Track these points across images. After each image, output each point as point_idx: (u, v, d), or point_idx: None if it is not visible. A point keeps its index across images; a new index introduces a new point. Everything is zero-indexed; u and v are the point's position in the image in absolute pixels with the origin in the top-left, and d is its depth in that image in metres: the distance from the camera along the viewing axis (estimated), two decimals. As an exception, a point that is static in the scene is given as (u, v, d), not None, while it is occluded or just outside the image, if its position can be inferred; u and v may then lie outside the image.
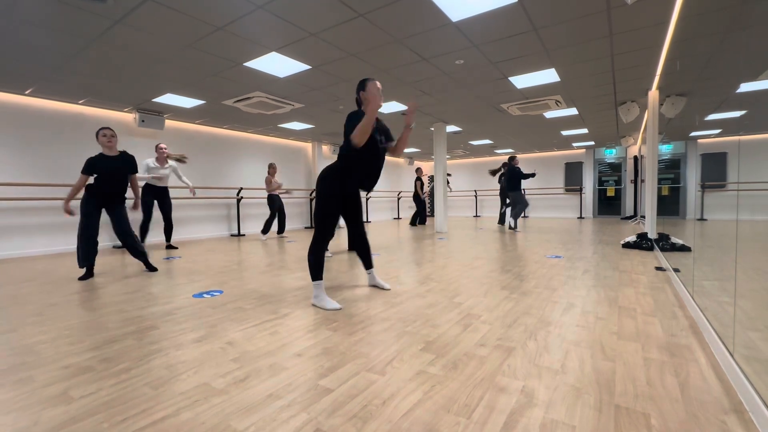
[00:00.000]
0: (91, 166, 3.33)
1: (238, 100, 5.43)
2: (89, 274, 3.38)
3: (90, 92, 4.97)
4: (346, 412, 1.19)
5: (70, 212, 3.29)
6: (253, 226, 8.17)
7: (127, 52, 3.69)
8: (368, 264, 2.83)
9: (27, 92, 4.92)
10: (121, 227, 3.49)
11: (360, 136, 2.24)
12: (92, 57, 3.77)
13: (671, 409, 1.17)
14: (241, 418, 1.16)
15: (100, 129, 3.40)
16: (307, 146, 9.62)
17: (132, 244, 3.55)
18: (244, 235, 7.67)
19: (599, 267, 3.53)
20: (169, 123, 6.61)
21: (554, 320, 2.03)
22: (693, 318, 2.04)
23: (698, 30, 3.36)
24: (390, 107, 6.05)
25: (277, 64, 4.07)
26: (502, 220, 8.79)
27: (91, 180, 3.41)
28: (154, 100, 5.35)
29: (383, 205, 12.63)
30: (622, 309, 2.22)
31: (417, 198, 9.27)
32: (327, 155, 10.02)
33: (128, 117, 6.09)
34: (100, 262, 4.34)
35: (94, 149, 5.73)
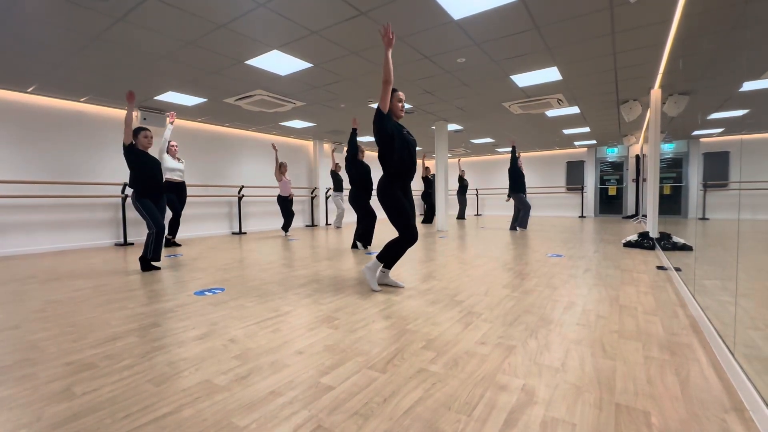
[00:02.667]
0: (137, 152, 3.50)
1: (239, 98, 5.43)
2: (154, 267, 3.65)
3: (92, 90, 4.98)
4: (347, 409, 1.19)
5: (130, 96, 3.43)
6: (254, 224, 8.19)
7: (129, 50, 3.69)
8: (387, 262, 2.79)
9: (29, 90, 4.93)
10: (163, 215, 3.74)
11: (381, 101, 2.59)
12: (94, 55, 3.77)
13: (672, 408, 1.18)
14: (242, 414, 1.17)
15: (141, 129, 3.54)
16: (308, 144, 9.62)
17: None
18: (245, 233, 7.68)
19: (600, 266, 3.53)
20: (170, 121, 6.62)
21: (555, 319, 2.04)
22: (694, 317, 2.04)
23: (701, 28, 3.34)
24: (391, 105, 6.04)
25: (279, 62, 4.07)
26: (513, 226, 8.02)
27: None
28: (155, 98, 5.35)
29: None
30: (623, 308, 2.22)
31: (426, 196, 9.20)
32: (328, 153, 10.01)
33: (130, 115, 6.10)
34: (102, 260, 4.35)
35: (95, 147, 5.77)
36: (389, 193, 2.66)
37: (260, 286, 2.89)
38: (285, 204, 6.96)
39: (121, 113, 6.02)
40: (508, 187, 7.36)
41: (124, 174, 6.04)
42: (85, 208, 5.66)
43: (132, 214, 6.08)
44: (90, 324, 2.06)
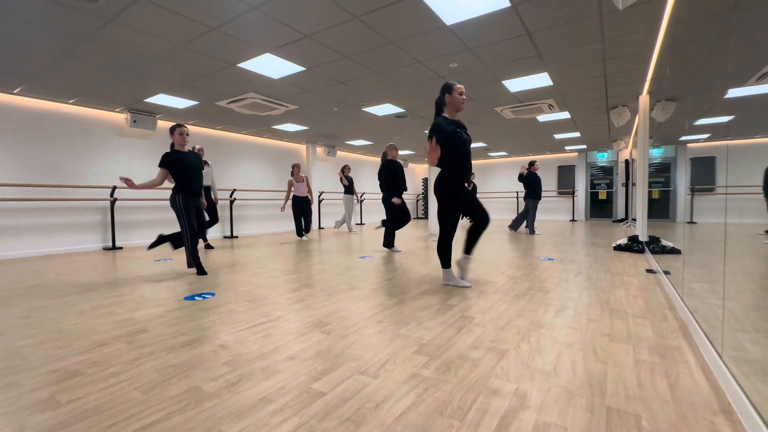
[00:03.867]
0: (171, 159, 3.41)
1: (231, 101, 5.40)
2: (203, 271, 3.55)
3: (81, 92, 4.91)
4: (339, 415, 1.18)
5: (126, 181, 3.21)
6: (246, 228, 8.12)
7: (119, 52, 3.65)
8: (469, 248, 2.96)
9: (15, 91, 4.84)
10: (203, 218, 3.68)
11: (430, 158, 2.79)
12: (83, 56, 3.73)
13: (662, 411, 1.19)
14: (232, 422, 1.15)
15: (177, 126, 3.45)
16: (301, 148, 9.59)
17: (207, 227, 3.70)
18: (237, 237, 7.62)
19: (591, 269, 3.56)
20: (161, 123, 6.56)
21: (547, 322, 2.05)
22: (683, 320, 2.07)
23: (687, 36, 3.42)
24: (385, 110, 6.06)
25: (272, 66, 4.06)
26: (515, 226, 8.02)
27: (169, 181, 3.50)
28: (146, 100, 5.30)
29: (377, 207, 12.63)
30: (614, 311, 2.24)
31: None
32: (321, 157, 10.00)
33: (119, 117, 6.03)
34: (90, 265, 4.28)
35: (84, 150, 5.69)
36: (446, 191, 2.81)
37: (251, 291, 2.86)
38: (304, 206, 6.75)
39: (112, 116, 5.95)
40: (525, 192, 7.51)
41: (112, 177, 5.96)
42: (72, 212, 5.56)
43: (120, 217, 6.00)
44: (76, 330, 2.02)
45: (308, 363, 1.57)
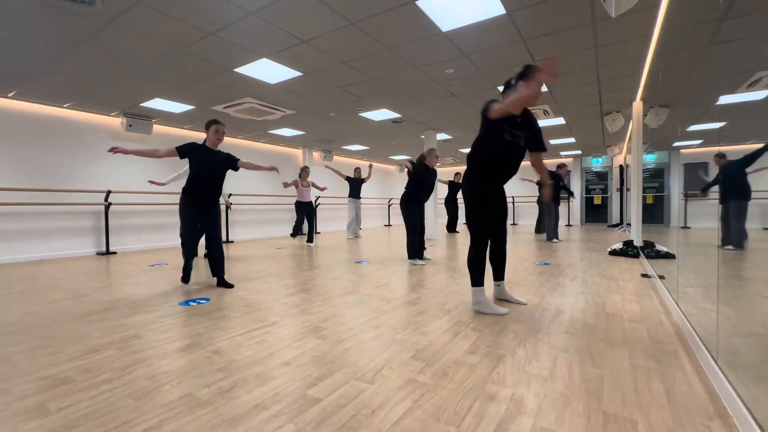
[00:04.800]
0: (188, 149, 3.04)
1: (228, 106, 5.40)
2: (186, 279, 3.22)
3: (76, 96, 4.89)
4: (335, 422, 1.17)
5: (115, 150, 2.80)
6: (241, 232, 8.08)
7: (115, 56, 3.64)
8: (499, 275, 2.57)
9: (9, 95, 4.81)
10: (214, 233, 3.17)
11: (500, 111, 2.22)
12: (79, 60, 3.71)
13: (658, 416, 1.18)
14: (226, 429, 1.13)
15: (213, 123, 3.10)
16: (298, 153, 9.59)
17: (217, 257, 3.17)
18: (232, 241, 7.58)
19: (587, 274, 3.57)
20: (157, 128, 6.53)
21: (543, 327, 2.05)
22: (678, 324, 2.07)
23: (679, 43, 3.46)
24: (381, 115, 6.08)
25: (268, 71, 4.07)
26: (539, 229, 8.14)
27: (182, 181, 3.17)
28: (142, 104, 5.28)
29: (374, 212, 12.63)
30: (610, 316, 2.24)
31: (450, 203, 8.77)
32: (318, 162, 9.99)
33: (115, 121, 6.00)
34: (84, 270, 4.23)
35: (77, 154, 5.65)
36: (470, 196, 2.41)
37: (246, 296, 2.84)
38: (308, 211, 6.64)
39: (108, 120, 5.92)
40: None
41: (107, 181, 5.92)
42: (66, 216, 5.50)
43: (114, 221, 5.95)
44: (68, 336, 1.99)
45: (303, 369, 1.55)
